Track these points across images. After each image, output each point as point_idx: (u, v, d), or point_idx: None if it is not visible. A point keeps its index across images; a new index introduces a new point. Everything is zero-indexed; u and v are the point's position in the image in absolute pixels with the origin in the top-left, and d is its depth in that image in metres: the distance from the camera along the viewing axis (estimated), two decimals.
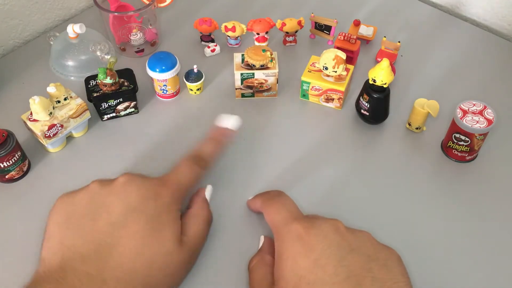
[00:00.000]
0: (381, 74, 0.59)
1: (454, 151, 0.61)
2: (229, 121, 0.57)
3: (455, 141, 0.59)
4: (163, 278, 0.43)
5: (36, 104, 0.58)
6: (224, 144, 0.56)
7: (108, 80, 0.63)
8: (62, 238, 0.43)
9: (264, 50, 0.66)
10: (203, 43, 0.79)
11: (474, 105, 0.59)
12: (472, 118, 0.57)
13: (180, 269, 0.45)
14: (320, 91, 0.67)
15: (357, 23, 0.78)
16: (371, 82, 0.61)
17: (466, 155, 0.60)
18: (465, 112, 0.58)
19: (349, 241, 0.41)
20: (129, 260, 0.42)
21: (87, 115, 0.64)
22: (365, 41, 0.78)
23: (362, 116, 0.65)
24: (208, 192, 0.54)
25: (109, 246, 0.42)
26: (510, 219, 0.56)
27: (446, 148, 0.62)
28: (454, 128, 0.59)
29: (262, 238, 0.51)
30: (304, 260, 0.40)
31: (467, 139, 0.58)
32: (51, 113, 0.60)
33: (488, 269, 0.52)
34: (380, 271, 0.39)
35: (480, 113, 0.58)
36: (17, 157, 0.58)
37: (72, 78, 0.73)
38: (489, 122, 0.57)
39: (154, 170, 0.60)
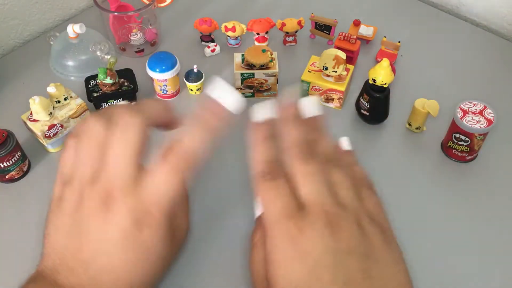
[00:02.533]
0: (381, 74, 0.59)
1: (454, 151, 0.61)
2: (229, 98, 0.41)
3: (455, 141, 0.59)
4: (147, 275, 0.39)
5: (36, 104, 0.58)
6: (216, 131, 0.41)
7: (108, 80, 0.63)
8: (55, 241, 0.40)
9: (264, 50, 0.66)
10: (203, 43, 0.79)
11: (474, 105, 0.59)
12: (472, 118, 0.57)
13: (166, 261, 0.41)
14: (320, 91, 0.67)
15: (357, 23, 0.78)
16: (371, 82, 0.61)
17: (466, 155, 0.60)
18: (465, 112, 0.58)
19: (346, 241, 0.38)
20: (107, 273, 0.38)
21: (87, 115, 0.64)
22: (365, 41, 0.78)
23: (362, 116, 0.65)
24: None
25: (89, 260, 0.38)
26: (510, 219, 0.56)
27: (446, 148, 0.62)
28: (454, 128, 0.59)
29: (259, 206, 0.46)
30: (299, 267, 0.37)
31: (467, 139, 0.58)
32: (51, 113, 0.60)
33: (488, 268, 0.52)
34: (377, 268, 0.37)
35: (480, 113, 0.58)
36: (17, 157, 0.58)
37: (72, 78, 0.73)
38: (489, 122, 0.57)
39: None
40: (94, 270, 0.38)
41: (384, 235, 0.40)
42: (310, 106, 0.43)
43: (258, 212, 0.43)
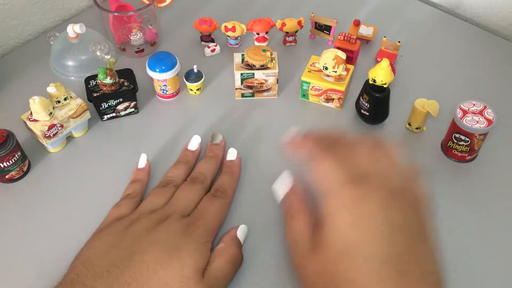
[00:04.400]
0: (381, 74, 0.59)
1: (454, 151, 0.61)
2: (231, 154, 0.60)
3: (455, 141, 0.59)
4: None
5: (36, 104, 0.58)
6: (238, 174, 0.59)
7: (108, 80, 0.63)
8: (86, 258, 0.45)
9: (264, 50, 0.66)
10: (203, 43, 0.79)
11: (474, 105, 0.59)
12: (472, 118, 0.57)
13: None
14: (320, 91, 0.67)
15: (357, 23, 0.78)
16: (371, 82, 0.61)
17: (466, 155, 0.60)
18: (465, 112, 0.58)
19: (399, 220, 0.39)
20: (140, 281, 0.42)
21: (87, 115, 0.64)
22: (365, 41, 0.78)
23: (362, 116, 0.65)
24: (240, 231, 0.52)
25: (123, 267, 0.43)
26: (510, 219, 0.56)
27: (446, 148, 0.62)
28: (454, 128, 0.59)
29: (287, 174, 0.50)
30: (352, 230, 0.39)
31: (467, 139, 0.58)
32: (51, 113, 0.60)
33: (489, 268, 0.52)
34: (422, 249, 0.39)
35: (480, 113, 0.58)
36: (17, 157, 0.58)
37: (72, 78, 0.73)
38: (489, 122, 0.57)
39: (154, 170, 0.60)
40: None
41: (430, 222, 0.41)
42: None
43: (281, 194, 0.48)
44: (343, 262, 0.38)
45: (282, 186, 0.49)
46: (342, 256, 0.38)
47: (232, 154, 0.59)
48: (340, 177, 0.40)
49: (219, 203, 0.52)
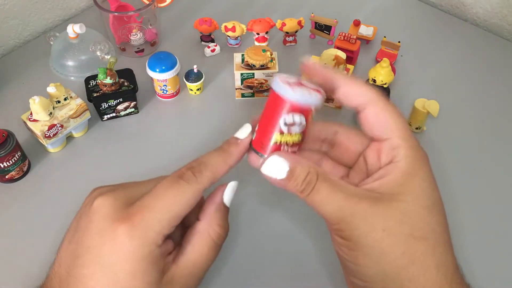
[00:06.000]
0: (381, 74, 0.59)
1: (285, 148, 0.38)
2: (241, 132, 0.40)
3: (285, 129, 0.36)
4: None
5: (36, 104, 0.58)
6: (235, 156, 0.39)
7: (108, 80, 0.63)
8: (56, 260, 0.40)
9: (264, 50, 0.66)
10: (203, 43, 0.79)
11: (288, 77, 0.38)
12: (301, 88, 0.36)
13: None
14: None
15: (357, 23, 0.78)
16: (371, 82, 0.61)
17: (296, 149, 0.39)
18: (289, 84, 0.36)
19: None
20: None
21: (87, 115, 0.64)
22: (365, 41, 0.78)
23: None
24: (228, 192, 0.40)
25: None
26: (510, 217, 0.56)
27: (258, 147, 0.38)
28: (281, 108, 0.36)
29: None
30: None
31: (302, 119, 0.37)
32: (51, 113, 0.60)
33: (500, 260, 0.52)
34: None
35: (300, 84, 0.37)
36: (17, 157, 0.58)
37: (72, 78, 0.73)
38: (318, 91, 0.38)
39: (154, 170, 0.60)
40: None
41: None
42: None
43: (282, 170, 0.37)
44: None
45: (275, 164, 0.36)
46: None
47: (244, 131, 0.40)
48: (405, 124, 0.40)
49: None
